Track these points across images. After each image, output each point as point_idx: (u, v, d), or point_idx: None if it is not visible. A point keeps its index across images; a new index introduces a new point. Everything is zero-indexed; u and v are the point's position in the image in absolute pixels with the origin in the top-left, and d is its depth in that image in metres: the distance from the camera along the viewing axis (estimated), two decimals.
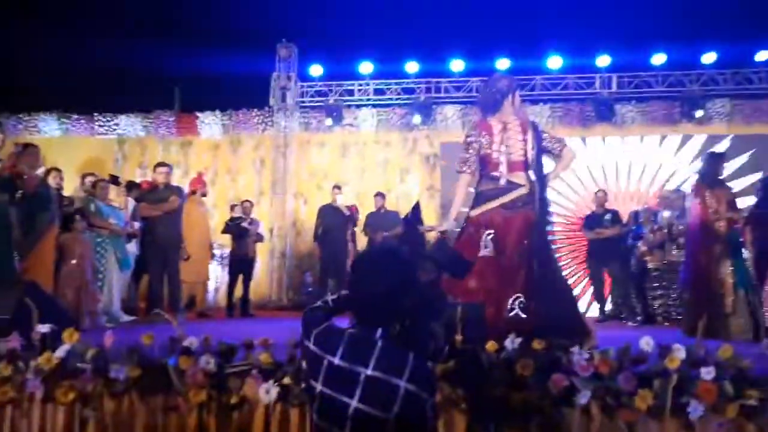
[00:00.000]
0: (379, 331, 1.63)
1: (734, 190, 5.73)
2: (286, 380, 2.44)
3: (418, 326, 1.74)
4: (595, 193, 8.06)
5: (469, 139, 3.57)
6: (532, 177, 3.47)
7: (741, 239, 5.47)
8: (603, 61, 9.45)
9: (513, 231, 3.36)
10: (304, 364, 1.77)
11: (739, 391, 2.19)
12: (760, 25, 9.67)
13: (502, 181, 3.44)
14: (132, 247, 6.56)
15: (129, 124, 10.85)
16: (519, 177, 3.48)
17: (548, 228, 3.59)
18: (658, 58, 9.39)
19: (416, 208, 9.93)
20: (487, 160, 3.53)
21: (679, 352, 2.27)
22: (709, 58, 9.29)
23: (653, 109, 9.57)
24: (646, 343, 2.34)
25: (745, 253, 5.60)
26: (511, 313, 3.19)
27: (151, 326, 3.85)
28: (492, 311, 3.16)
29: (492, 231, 3.37)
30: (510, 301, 3.24)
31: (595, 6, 9.98)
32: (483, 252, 3.34)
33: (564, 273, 3.41)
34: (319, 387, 1.59)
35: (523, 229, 3.36)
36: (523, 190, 3.44)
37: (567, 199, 9.59)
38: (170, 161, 10.22)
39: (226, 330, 5.56)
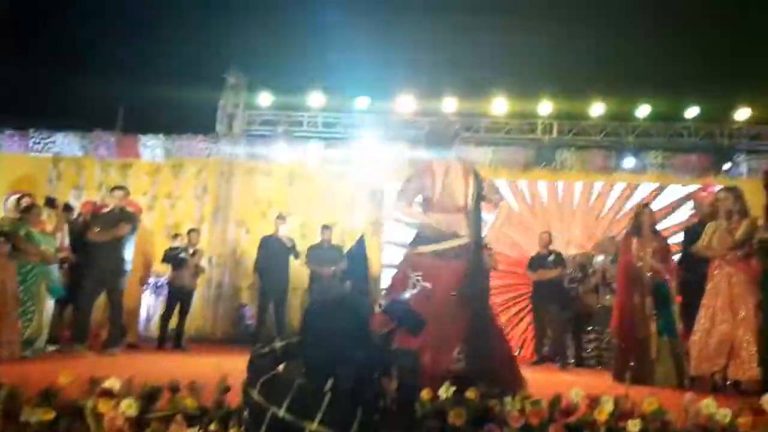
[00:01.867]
0: (329, 382, 1.59)
1: (668, 241, 5.99)
2: (213, 427, 2.34)
3: (368, 380, 1.71)
4: (540, 234, 8.23)
5: (410, 177, 3.60)
6: (469, 225, 3.45)
7: (669, 288, 5.64)
8: (545, 107, 9.82)
9: (442, 281, 3.34)
10: (245, 413, 1.69)
11: None
12: (690, 84, 10.30)
13: (442, 227, 3.43)
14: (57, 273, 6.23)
15: (66, 143, 10.47)
16: (457, 222, 3.46)
17: (484, 278, 3.57)
18: (597, 108, 9.83)
19: (360, 242, 9.97)
20: (427, 201, 3.54)
21: (608, 404, 2.31)
22: (643, 111, 9.79)
23: (591, 156, 9.97)
24: (576, 393, 2.37)
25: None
26: (454, 364, 3.16)
27: (72, 359, 3.66)
28: (429, 357, 3.11)
29: (420, 274, 3.34)
30: (454, 351, 3.21)
31: (539, 55, 10.39)
32: (413, 292, 3.30)
33: (498, 321, 3.38)
34: None
35: (451, 281, 3.33)
36: (460, 240, 3.42)
37: (510, 242, 9.80)
38: (108, 183, 9.94)
39: (156, 365, 5.34)
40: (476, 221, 3.47)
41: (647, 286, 5.56)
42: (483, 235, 3.54)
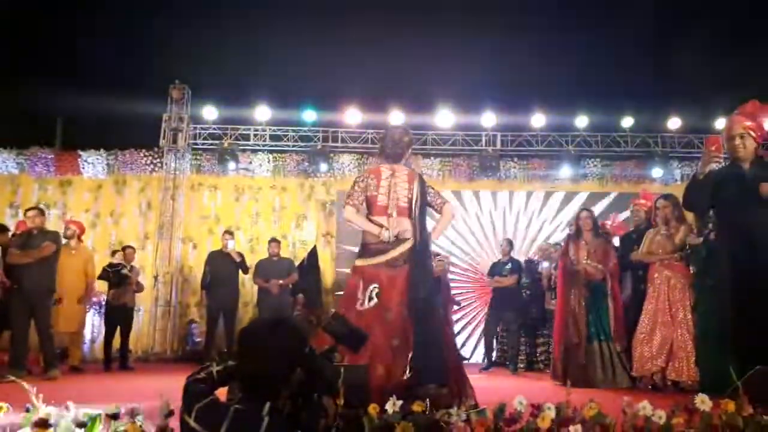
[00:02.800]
0: (267, 406, 1.57)
1: (609, 244, 6.01)
2: None
3: (307, 401, 1.70)
4: (501, 241, 8.37)
5: (356, 179, 3.63)
6: (413, 227, 3.48)
7: (605, 290, 5.71)
8: (488, 119, 10.04)
9: (396, 288, 3.36)
10: None
11: None
12: (626, 95, 10.75)
13: (386, 235, 3.44)
14: None
15: (0, 160, 10.05)
16: (402, 224, 3.49)
17: (432, 281, 3.59)
18: (538, 120, 10.11)
19: (312, 254, 9.91)
20: (372, 203, 3.55)
21: (550, 411, 2.37)
22: (582, 121, 10.13)
23: (534, 166, 10.25)
24: (519, 402, 2.42)
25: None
26: (406, 375, 3.17)
27: (8, 385, 3.48)
28: (381, 370, 3.14)
29: (377, 285, 3.35)
30: (405, 360, 3.21)
31: (482, 68, 10.64)
32: (368, 305, 3.32)
33: (448, 327, 3.40)
34: None
35: (404, 287, 3.35)
36: (407, 245, 3.45)
37: (465, 247, 9.96)
38: (47, 201, 9.60)
39: (100, 388, 5.17)
40: (421, 224, 3.49)
41: (582, 289, 5.71)
42: (426, 237, 3.54)
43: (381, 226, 3.47)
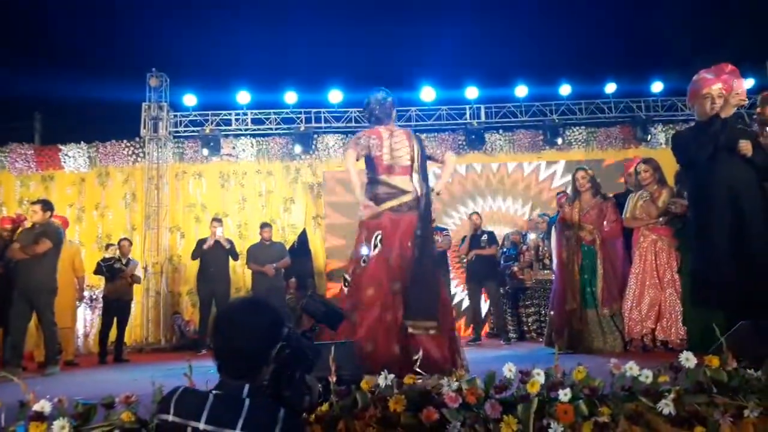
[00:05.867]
0: (246, 388, 1.58)
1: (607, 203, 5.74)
2: None
3: (290, 379, 1.70)
4: (469, 216, 8.35)
5: (358, 136, 3.79)
6: (417, 182, 3.72)
7: (595, 253, 5.59)
8: (472, 93, 10.01)
9: (399, 232, 3.60)
10: None
11: (593, 410, 2.35)
12: (608, 61, 10.74)
13: (390, 187, 3.68)
14: None
15: None
16: (405, 182, 3.72)
17: (430, 226, 3.80)
18: (521, 90, 10.09)
19: (302, 237, 9.92)
20: (377, 162, 3.73)
21: (539, 377, 2.40)
22: (565, 90, 10.12)
23: (519, 137, 10.25)
24: (509, 369, 2.45)
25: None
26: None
27: (5, 382, 3.48)
28: (389, 316, 3.40)
29: (380, 232, 3.59)
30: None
31: (463, 42, 10.58)
32: (373, 252, 3.55)
33: (435, 269, 3.74)
34: None
35: (407, 230, 3.60)
36: (409, 196, 3.68)
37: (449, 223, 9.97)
38: (29, 197, 9.48)
39: (96, 381, 5.18)
40: (424, 177, 3.72)
41: (578, 253, 5.62)
42: (430, 189, 3.74)
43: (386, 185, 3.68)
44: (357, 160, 3.72)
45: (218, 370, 1.66)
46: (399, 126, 4.02)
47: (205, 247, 8.01)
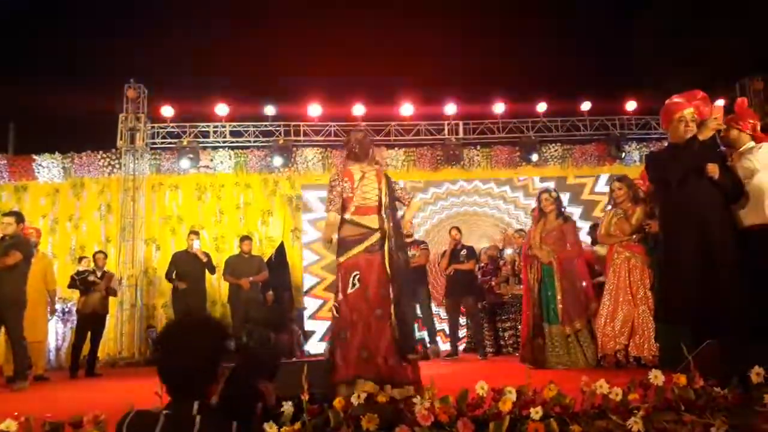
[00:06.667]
0: (196, 405, 1.57)
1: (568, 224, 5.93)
2: None
3: (240, 389, 1.70)
4: (449, 231, 8.38)
5: (333, 183, 3.99)
6: (385, 220, 3.91)
7: (553, 272, 5.74)
8: (450, 109, 10.11)
9: (373, 270, 3.82)
10: None
11: (564, 428, 2.37)
12: (584, 80, 10.94)
13: (361, 227, 3.88)
14: None
15: None
16: (373, 221, 3.91)
17: (401, 261, 3.95)
18: (498, 108, 10.22)
19: (280, 250, 9.86)
20: (347, 204, 3.94)
21: (511, 395, 2.42)
22: (542, 107, 10.28)
23: (496, 153, 10.36)
24: (481, 387, 2.46)
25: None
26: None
27: None
28: (370, 342, 3.63)
29: (358, 272, 3.81)
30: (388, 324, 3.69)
31: (443, 59, 10.70)
32: (351, 290, 3.80)
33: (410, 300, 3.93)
34: None
35: (381, 267, 3.82)
36: (378, 234, 3.88)
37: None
38: (1, 208, 9.30)
39: (66, 397, 5.07)
40: (391, 217, 3.92)
41: (539, 272, 5.78)
42: (397, 228, 3.94)
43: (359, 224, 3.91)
44: (338, 213, 3.95)
45: (166, 391, 1.64)
46: (379, 144, 4.17)
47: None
